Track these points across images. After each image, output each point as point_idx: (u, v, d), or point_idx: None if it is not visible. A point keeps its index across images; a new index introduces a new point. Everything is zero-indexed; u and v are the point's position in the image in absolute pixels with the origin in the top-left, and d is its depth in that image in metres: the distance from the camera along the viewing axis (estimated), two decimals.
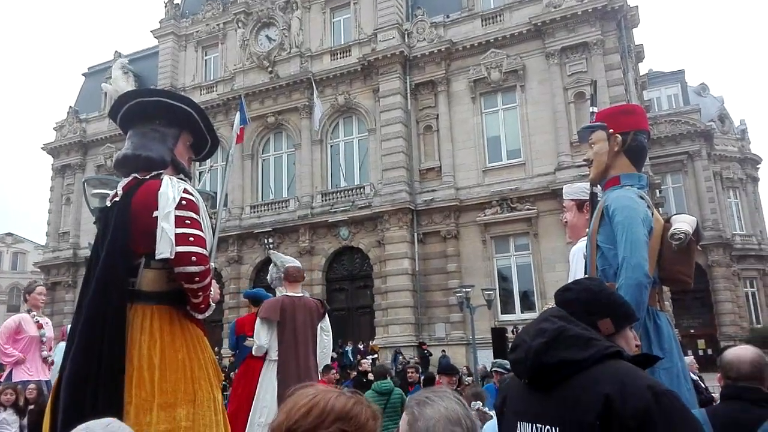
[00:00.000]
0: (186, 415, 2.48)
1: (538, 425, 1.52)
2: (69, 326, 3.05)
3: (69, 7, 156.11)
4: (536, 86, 21.51)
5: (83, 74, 33.88)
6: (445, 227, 21.55)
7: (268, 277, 6.22)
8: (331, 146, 24.82)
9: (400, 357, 18.56)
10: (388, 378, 7.72)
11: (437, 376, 7.93)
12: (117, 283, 2.55)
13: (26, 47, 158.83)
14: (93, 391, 2.35)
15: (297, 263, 6.42)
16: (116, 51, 31.53)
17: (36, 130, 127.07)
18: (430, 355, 19.08)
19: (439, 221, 21.70)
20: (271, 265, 6.28)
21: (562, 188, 4.06)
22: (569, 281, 2.01)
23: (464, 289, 18.73)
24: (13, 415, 5.77)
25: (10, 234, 49.63)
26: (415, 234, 21.83)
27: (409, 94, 23.09)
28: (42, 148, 31.30)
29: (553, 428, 1.48)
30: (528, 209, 20.56)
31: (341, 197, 23.47)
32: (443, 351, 19.25)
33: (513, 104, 22.10)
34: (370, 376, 9.06)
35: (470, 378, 17.67)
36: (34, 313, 6.17)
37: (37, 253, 39.32)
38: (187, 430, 2.44)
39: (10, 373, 6.04)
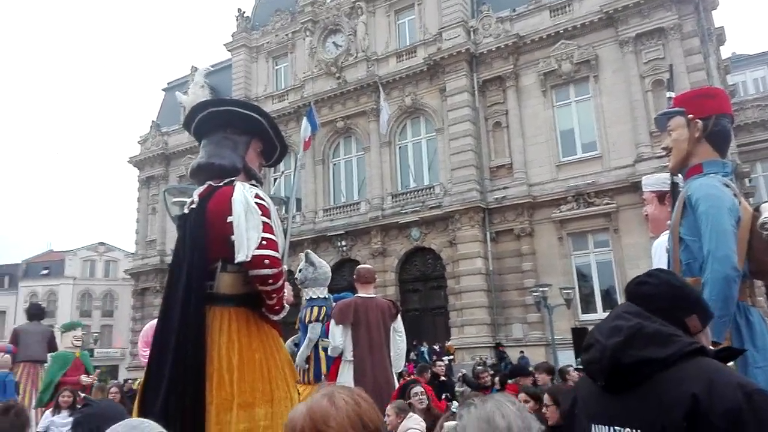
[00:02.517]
0: (265, 414, 2.54)
1: (617, 428, 1.45)
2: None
3: (150, 27, 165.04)
4: (610, 76, 20.73)
5: (163, 89, 35.64)
6: (519, 225, 21.12)
7: (300, 276, 6.19)
8: (400, 147, 24.90)
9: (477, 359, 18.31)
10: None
11: (512, 379, 7.73)
12: (197, 288, 2.64)
13: (113, 69, 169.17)
14: (180, 392, 2.45)
15: (328, 266, 6.43)
16: (192, 66, 32.97)
17: (124, 145, 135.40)
18: (507, 356, 18.74)
19: (512, 219, 21.29)
20: (303, 264, 6.27)
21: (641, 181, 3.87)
22: None
23: (541, 289, 18.28)
24: (66, 417, 5.95)
25: (102, 243, 52.79)
26: (488, 233, 21.52)
27: (476, 91, 22.82)
28: (128, 161, 33.19)
29: (634, 431, 1.41)
30: (607, 204, 19.82)
31: (411, 198, 23.50)
32: (521, 352, 18.84)
33: (586, 95, 21.39)
34: (443, 379, 8.97)
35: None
36: None
37: (127, 261, 41.65)
38: (266, 428, 2.49)
39: None
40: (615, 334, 1.48)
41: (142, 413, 2.54)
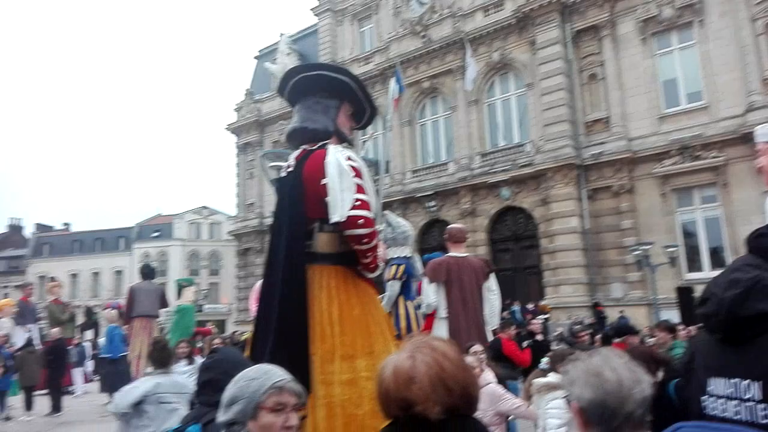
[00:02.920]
0: (366, 366, 2.64)
1: (734, 380, 1.40)
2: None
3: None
4: (717, 20, 19.01)
5: (255, 57, 36.56)
6: (617, 182, 20.15)
7: (380, 237, 6.26)
8: (488, 105, 24.27)
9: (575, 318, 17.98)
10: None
11: (618, 338, 7.53)
12: (296, 247, 2.77)
13: (211, 42, 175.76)
14: (286, 343, 2.60)
15: (409, 226, 6.48)
16: (281, 33, 33.54)
17: (223, 113, 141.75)
18: (606, 316, 18.24)
19: (609, 175, 20.34)
20: (384, 225, 6.35)
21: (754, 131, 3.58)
22: None
23: (642, 247, 17.54)
24: (185, 366, 6.53)
25: (205, 207, 55.83)
26: (583, 190, 20.73)
27: (569, 43, 21.69)
28: (226, 128, 34.63)
29: (754, 383, 1.35)
30: (714, 157, 18.45)
31: (501, 157, 22.98)
32: (621, 312, 18.26)
33: (690, 42, 19.77)
34: (539, 337, 8.86)
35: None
36: None
37: (228, 224, 43.91)
38: (368, 379, 2.58)
39: None
40: (733, 287, 1.42)
41: (253, 362, 2.73)
